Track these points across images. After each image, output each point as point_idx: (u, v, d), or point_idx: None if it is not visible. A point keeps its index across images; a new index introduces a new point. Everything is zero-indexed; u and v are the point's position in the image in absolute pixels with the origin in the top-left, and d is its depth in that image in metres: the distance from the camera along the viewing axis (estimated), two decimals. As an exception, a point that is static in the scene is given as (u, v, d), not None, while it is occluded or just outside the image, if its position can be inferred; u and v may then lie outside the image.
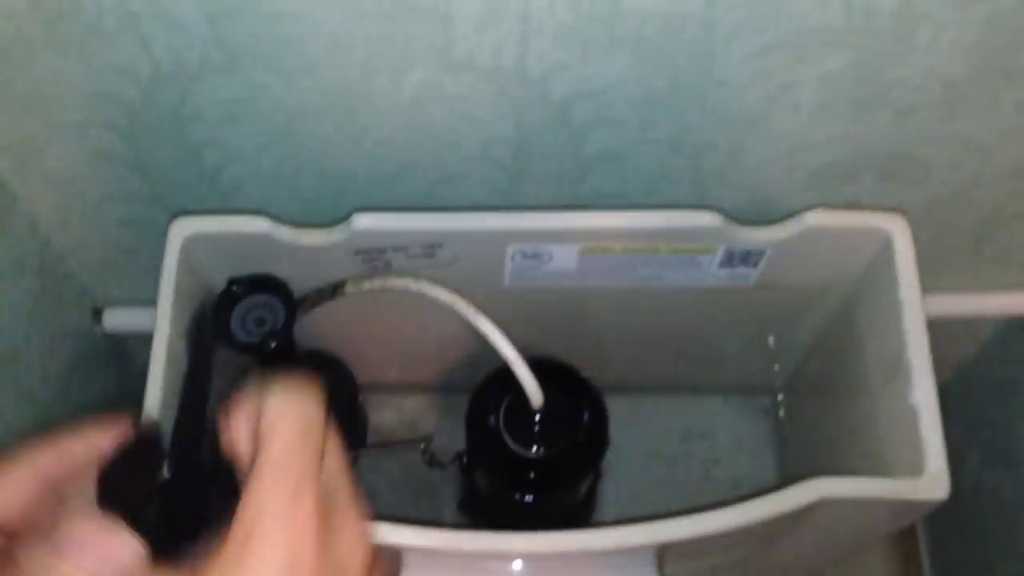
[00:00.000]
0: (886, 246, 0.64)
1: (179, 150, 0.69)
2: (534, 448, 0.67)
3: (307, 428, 0.39)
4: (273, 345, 0.62)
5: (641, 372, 0.90)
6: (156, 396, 0.60)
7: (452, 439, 0.91)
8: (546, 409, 0.64)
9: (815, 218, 0.64)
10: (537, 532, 0.55)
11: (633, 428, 0.88)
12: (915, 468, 0.58)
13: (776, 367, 0.89)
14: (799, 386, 0.90)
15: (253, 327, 0.63)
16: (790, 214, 0.74)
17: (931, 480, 0.57)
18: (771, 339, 0.83)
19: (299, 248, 0.64)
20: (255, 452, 0.38)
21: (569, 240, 0.64)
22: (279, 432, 0.39)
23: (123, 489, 0.38)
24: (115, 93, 0.63)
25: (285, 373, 0.41)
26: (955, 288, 0.89)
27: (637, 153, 0.70)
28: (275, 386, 0.40)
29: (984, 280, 0.88)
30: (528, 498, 0.67)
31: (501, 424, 0.66)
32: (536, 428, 0.66)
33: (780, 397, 0.95)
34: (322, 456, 0.39)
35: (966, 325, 0.96)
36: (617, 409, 0.80)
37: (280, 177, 0.73)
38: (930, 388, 0.60)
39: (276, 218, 0.67)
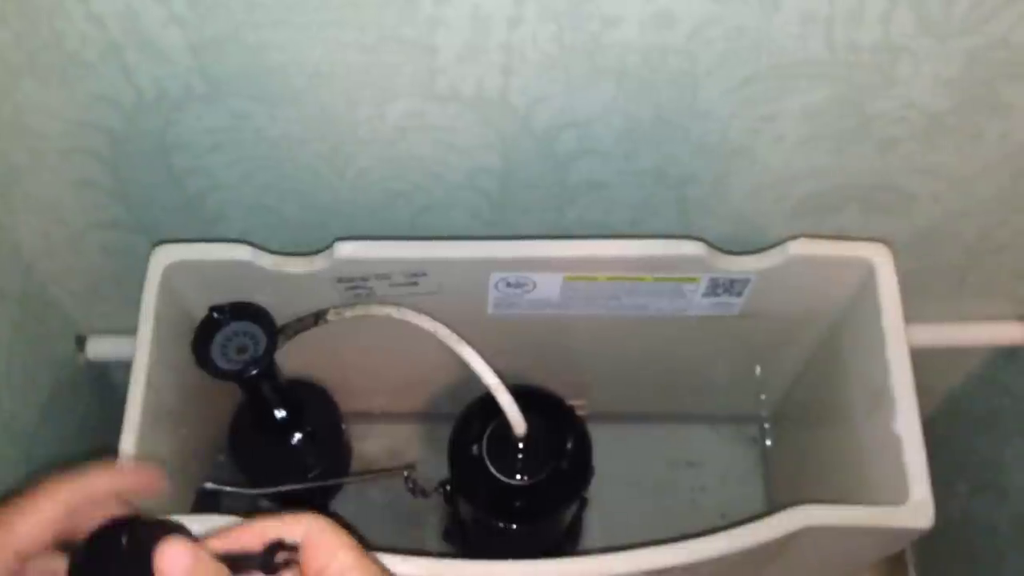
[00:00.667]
0: (869, 275, 0.64)
1: (162, 178, 0.69)
2: (517, 476, 0.66)
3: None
4: (254, 373, 0.62)
5: (626, 400, 0.90)
6: (134, 423, 0.60)
7: (436, 467, 0.91)
8: (529, 437, 0.64)
9: (799, 247, 0.65)
10: (520, 561, 0.55)
11: (619, 456, 0.87)
12: (899, 496, 0.58)
13: (763, 396, 0.89)
14: (785, 414, 0.90)
15: (234, 355, 0.63)
16: (775, 244, 0.75)
17: (915, 508, 0.57)
18: (757, 368, 0.83)
19: (281, 276, 0.64)
20: None
21: (552, 268, 0.64)
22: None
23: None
24: (98, 121, 0.63)
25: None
26: (940, 318, 0.89)
27: (621, 183, 0.70)
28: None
29: (969, 310, 0.89)
30: (512, 526, 0.67)
31: (484, 452, 0.66)
32: (519, 456, 0.66)
33: (767, 426, 0.95)
34: None
35: (952, 355, 0.96)
36: (602, 437, 0.79)
37: (263, 206, 0.72)
38: (914, 416, 0.60)
39: (259, 246, 0.67)
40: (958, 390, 1.01)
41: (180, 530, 0.41)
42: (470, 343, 0.64)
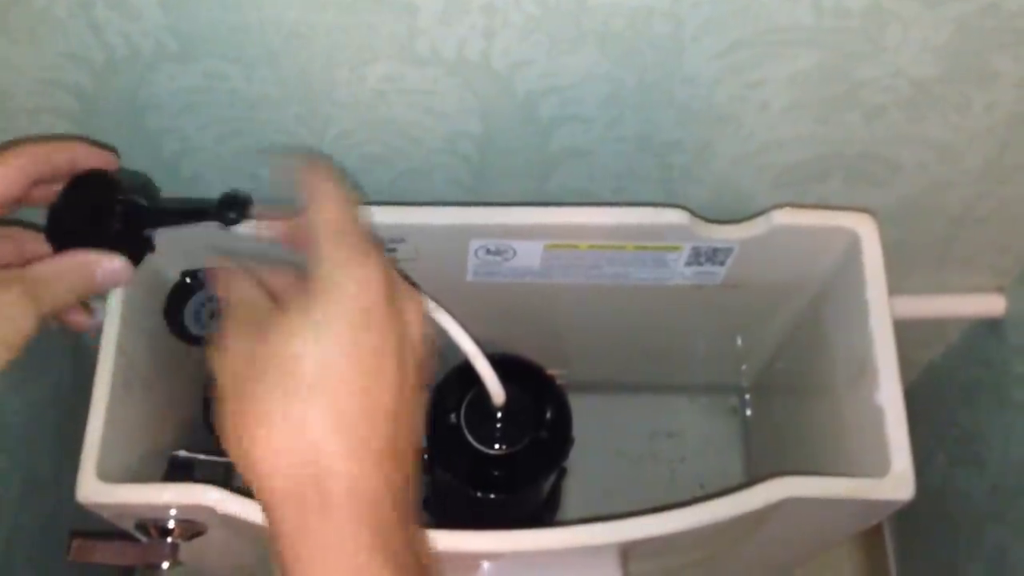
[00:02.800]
0: (854, 246, 0.64)
1: (136, 139, 0.68)
2: (496, 446, 0.66)
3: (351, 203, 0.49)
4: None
5: (607, 370, 0.89)
6: (104, 390, 0.59)
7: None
8: (508, 406, 0.63)
9: (783, 216, 0.64)
10: (499, 531, 0.54)
11: (599, 427, 0.87)
12: (881, 468, 0.57)
13: (744, 366, 0.89)
14: (766, 385, 0.89)
15: (207, 320, 0.61)
16: (758, 213, 0.74)
17: (896, 480, 0.56)
18: (738, 338, 0.82)
19: (256, 240, 0.62)
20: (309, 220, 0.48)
21: (533, 236, 0.63)
22: (329, 205, 0.49)
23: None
24: (67, 80, 0.61)
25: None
26: (922, 289, 0.89)
27: (604, 150, 0.69)
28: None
29: (952, 282, 0.88)
30: (491, 496, 0.66)
31: (462, 421, 0.65)
32: (498, 425, 0.65)
33: (747, 396, 0.95)
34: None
35: (933, 326, 0.96)
36: (582, 408, 0.79)
37: (240, 169, 0.71)
38: (896, 388, 0.59)
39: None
40: (938, 361, 1.01)
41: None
42: (448, 310, 0.63)
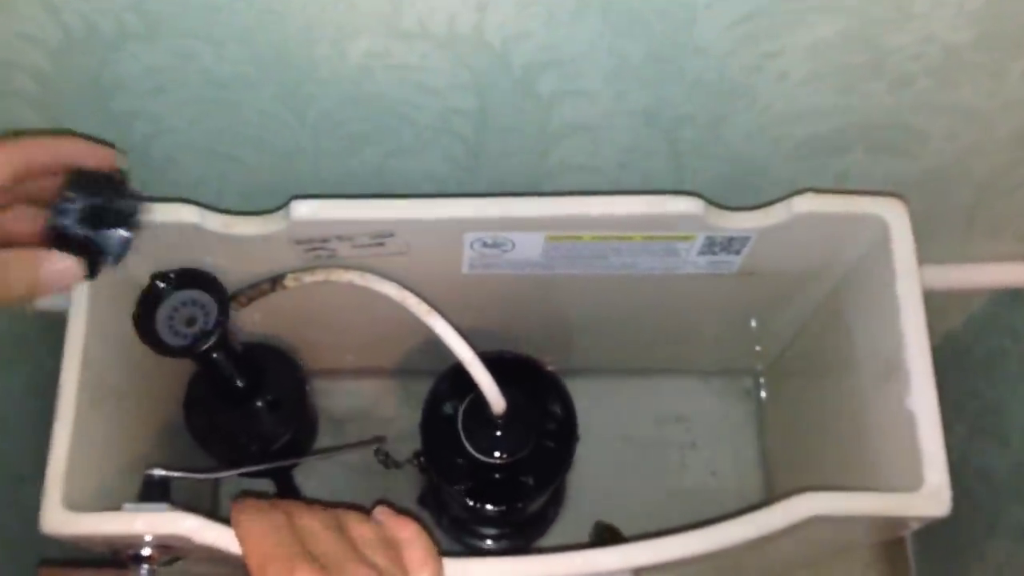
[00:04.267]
0: (882, 234, 0.59)
1: (103, 122, 0.63)
2: (496, 454, 0.61)
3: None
4: (204, 348, 0.56)
5: (612, 355, 0.85)
6: (70, 404, 0.55)
7: (410, 424, 0.86)
8: (509, 413, 0.59)
9: (804, 203, 0.59)
10: (505, 559, 0.50)
11: (604, 411, 0.82)
12: (912, 481, 0.53)
13: (758, 347, 0.84)
14: (783, 367, 0.85)
15: (181, 327, 0.57)
16: (773, 186, 0.69)
17: (930, 495, 0.52)
18: (753, 321, 0.78)
19: (232, 238, 0.58)
20: None
21: (533, 228, 0.58)
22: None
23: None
24: (24, 62, 0.57)
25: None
26: (944, 259, 0.84)
27: (609, 125, 0.64)
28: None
29: (974, 251, 0.84)
30: (489, 507, 0.62)
31: (460, 429, 0.61)
32: (499, 432, 0.61)
33: (762, 379, 0.90)
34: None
35: (954, 296, 0.92)
36: (586, 392, 0.75)
37: (217, 152, 0.66)
38: (930, 393, 0.55)
39: (207, 205, 0.61)
40: (958, 330, 0.97)
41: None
42: (443, 303, 0.59)
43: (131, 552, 0.51)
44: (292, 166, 0.68)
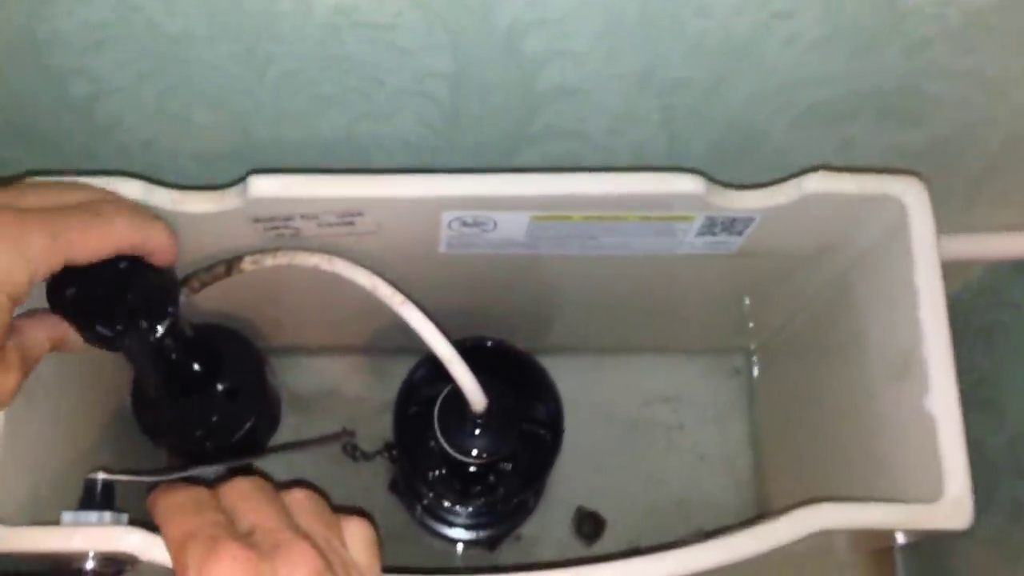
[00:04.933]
0: (899, 218, 0.54)
1: (39, 80, 0.57)
2: (475, 453, 0.57)
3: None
4: (152, 339, 0.50)
5: (596, 333, 0.80)
6: None
7: (381, 403, 0.82)
8: (490, 410, 0.54)
9: (816, 183, 0.54)
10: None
11: (587, 391, 0.78)
12: (931, 490, 0.49)
13: (751, 324, 0.79)
14: (779, 346, 0.80)
15: (123, 317, 0.51)
16: (771, 155, 0.65)
17: (952, 507, 0.48)
18: (746, 299, 0.73)
19: (183, 216, 0.52)
20: None
21: (517, 207, 0.53)
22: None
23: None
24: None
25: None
26: (946, 228, 0.80)
27: (599, 89, 0.59)
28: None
29: (974, 222, 0.80)
30: (468, 508, 0.58)
31: (437, 426, 0.56)
32: (477, 431, 0.56)
33: (754, 357, 0.86)
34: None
35: (950, 267, 0.88)
36: (569, 370, 0.71)
37: (166, 112, 0.60)
38: (952, 394, 0.51)
39: (159, 169, 0.56)
40: (953, 299, 0.93)
41: None
42: (418, 283, 0.54)
43: (74, 566, 0.46)
44: (250, 129, 0.62)
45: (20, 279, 0.44)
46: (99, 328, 0.49)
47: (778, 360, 0.81)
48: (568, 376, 0.70)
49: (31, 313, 0.50)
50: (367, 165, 0.66)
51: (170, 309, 0.51)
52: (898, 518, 0.48)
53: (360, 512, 0.46)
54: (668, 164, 0.67)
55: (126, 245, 0.49)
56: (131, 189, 0.51)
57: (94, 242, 0.47)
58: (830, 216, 0.56)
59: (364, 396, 0.81)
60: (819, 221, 0.57)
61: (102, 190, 0.51)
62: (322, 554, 0.42)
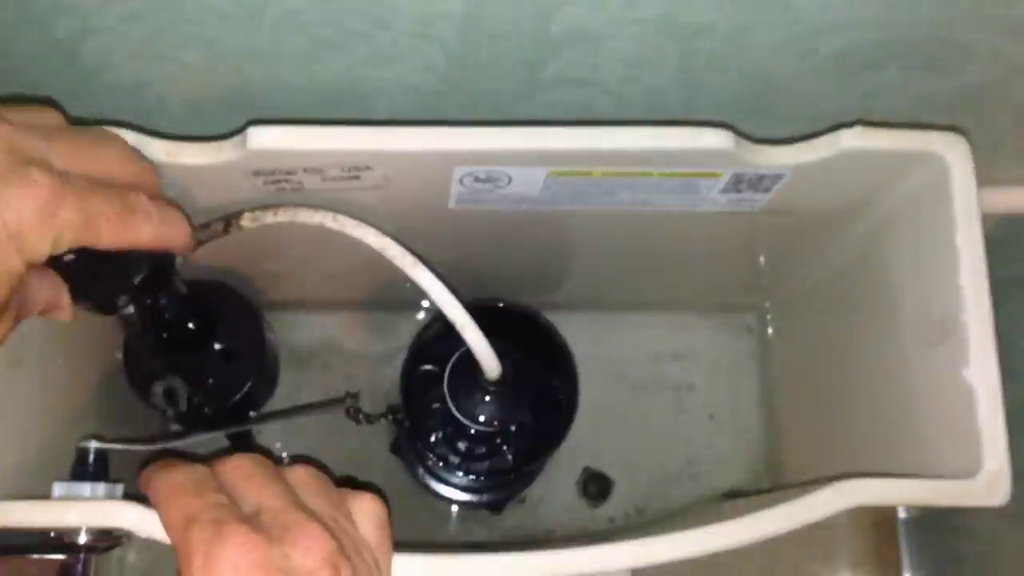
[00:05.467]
0: (940, 176, 0.51)
1: (22, 19, 0.54)
2: (485, 420, 0.54)
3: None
4: (147, 302, 0.48)
5: (605, 290, 0.77)
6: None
7: (382, 359, 0.79)
8: (504, 378, 0.51)
9: (854, 138, 0.51)
10: (490, 555, 0.43)
11: (596, 349, 0.75)
12: (966, 462, 0.46)
13: (764, 281, 0.77)
14: (796, 304, 0.77)
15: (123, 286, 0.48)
16: (790, 105, 0.63)
17: (989, 483, 0.46)
18: (761, 257, 0.70)
19: (177, 168, 0.49)
20: None
21: (533, 162, 0.50)
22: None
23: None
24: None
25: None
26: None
27: (616, 34, 0.56)
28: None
29: (996, 175, 0.78)
30: (474, 471, 0.56)
31: (446, 391, 0.53)
32: (488, 398, 0.54)
33: (769, 316, 0.83)
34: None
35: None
36: (576, 327, 0.69)
37: (156, 54, 0.57)
38: (992, 364, 0.48)
39: (148, 114, 0.52)
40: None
41: None
42: (424, 239, 0.51)
43: (66, 540, 0.44)
44: (246, 71, 0.59)
45: (42, 250, 0.41)
46: (96, 295, 0.46)
47: (795, 319, 0.78)
48: (575, 334, 0.67)
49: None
50: (368, 112, 0.63)
51: (171, 275, 0.48)
52: (935, 494, 0.46)
53: (368, 487, 0.44)
54: (683, 114, 0.65)
55: (147, 245, 0.46)
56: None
57: (120, 238, 0.44)
58: (865, 173, 0.53)
59: (363, 352, 0.79)
60: (853, 178, 0.54)
61: (135, 156, 0.48)
62: (333, 535, 0.40)
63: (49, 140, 0.43)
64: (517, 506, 0.79)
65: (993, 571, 0.79)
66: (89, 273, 0.45)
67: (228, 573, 0.37)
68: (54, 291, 0.46)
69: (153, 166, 0.48)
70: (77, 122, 0.52)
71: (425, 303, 0.79)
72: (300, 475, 0.44)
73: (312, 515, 0.41)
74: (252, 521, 0.40)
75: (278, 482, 0.43)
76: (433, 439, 0.59)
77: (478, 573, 0.44)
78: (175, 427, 0.58)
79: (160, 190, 0.49)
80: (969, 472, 0.46)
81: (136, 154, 0.47)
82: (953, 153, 0.51)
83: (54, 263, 0.46)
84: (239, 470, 0.43)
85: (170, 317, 0.55)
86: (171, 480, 0.42)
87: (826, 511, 0.44)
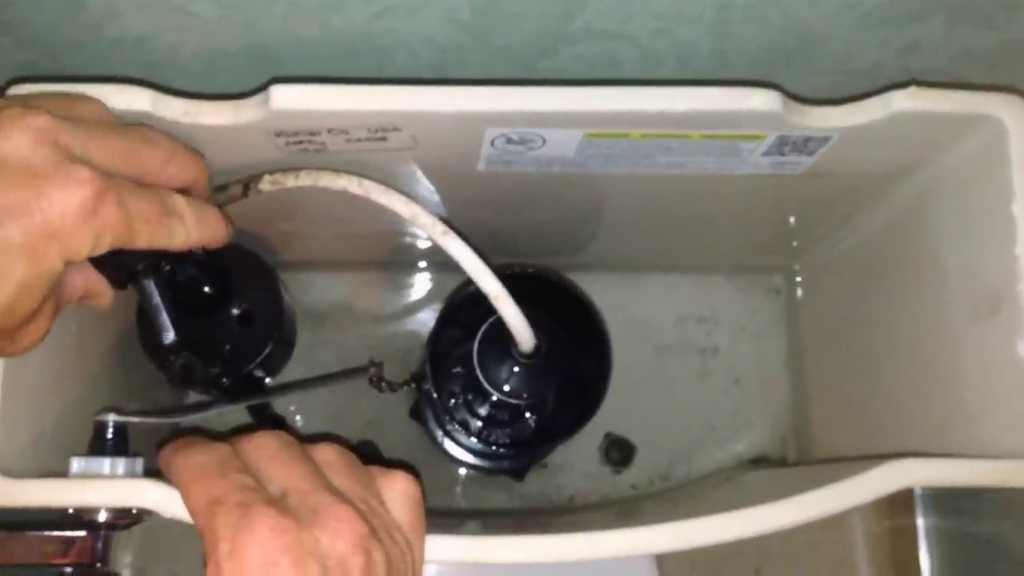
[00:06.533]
0: (996, 140, 0.48)
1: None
2: (516, 392, 0.52)
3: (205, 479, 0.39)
4: (165, 268, 0.45)
5: (630, 252, 0.75)
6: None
7: (399, 319, 0.77)
8: (538, 349, 0.49)
9: (907, 100, 0.48)
10: (511, 538, 0.42)
11: (620, 311, 0.73)
12: (1018, 436, 0.45)
13: (795, 243, 0.74)
14: (827, 267, 0.74)
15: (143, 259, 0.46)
16: (826, 59, 0.60)
17: (1045, 461, 0.44)
18: (792, 218, 0.68)
19: (195, 128, 0.46)
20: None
21: (571, 124, 0.47)
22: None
23: None
24: None
25: None
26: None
27: (649, -14, 0.53)
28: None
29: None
30: (500, 437, 0.54)
31: (476, 360, 0.51)
32: (517, 368, 0.52)
33: (798, 277, 0.81)
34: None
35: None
36: (599, 289, 0.67)
37: (168, 4, 0.54)
38: (1051, 340, 0.46)
39: (158, 69, 0.50)
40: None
41: None
42: (450, 201, 0.49)
43: (85, 518, 0.42)
44: (260, 23, 0.56)
45: (82, 251, 0.39)
46: (115, 267, 0.44)
47: (826, 283, 0.76)
48: (597, 295, 0.66)
49: None
50: (385, 67, 0.61)
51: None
52: (990, 476, 0.44)
53: (398, 464, 0.42)
54: (714, 69, 0.62)
55: (182, 248, 0.44)
56: (137, 98, 0.45)
57: (156, 241, 0.42)
58: (915, 136, 0.51)
59: (379, 312, 0.77)
60: (902, 141, 0.51)
61: (182, 156, 0.45)
62: (364, 518, 0.38)
63: (91, 135, 0.41)
64: (538, 471, 0.78)
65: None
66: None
67: (256, 558, 0.36)
68: (92, 280, 0.45)
69: (205, 165, 0.47)
70: (85, 80, 0.49)
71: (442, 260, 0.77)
72: (327, 454, 0.42)
73: (341, 497, 0.39)
74: (279, 504, 0.38)
75: (305, 462, 0.41)
76: (456, 405, 0.58)
77: (511, 555, 0.42)
78: (192, 398, 0.56)
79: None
80: (1021, 451, 0.45)
81: (185, 154, 0.46)
82: (1011, 115, 0.48)
83: None
84: (264, 450, 0.41)
85: (185, 282, 0.53)
86: (193, 460, 0.40)
87: (879, 491, 0.43)
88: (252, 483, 0.39)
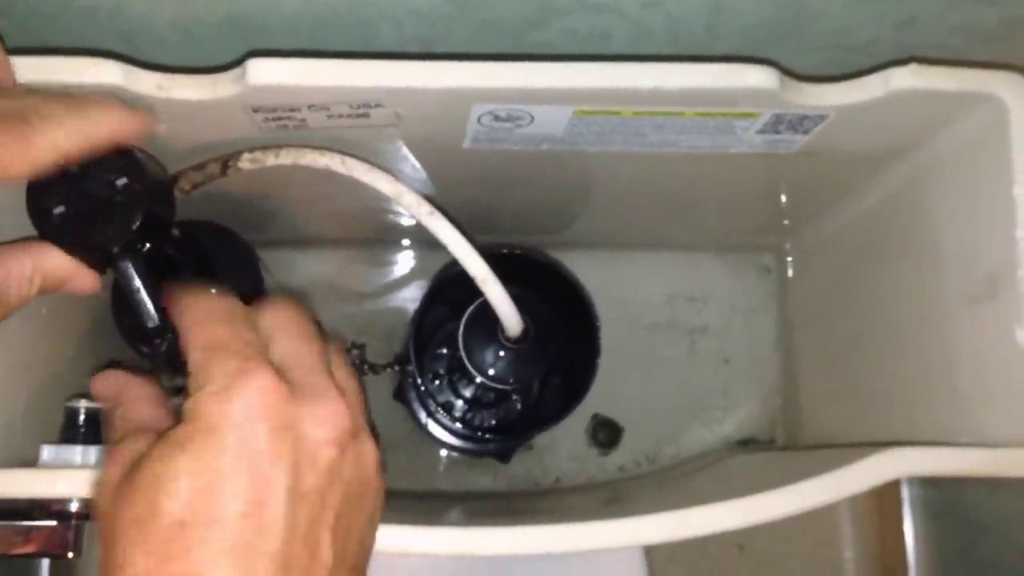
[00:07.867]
0: (996, 119, 0.47)
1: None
2: (502, 377, 0.51)
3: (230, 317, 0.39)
4: (141, 248, 0.44)
5: (618, 230, 0.74)
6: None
7: (382, 297, 0.76)
8: (526, 334, 0.48)
9: (907, 78, 0.47)
10: (496, 529, 0.41)
11: (607, 289, 0.71)
12: (1016, 425, 0.44)
13: (786, 222, 0.73)
14: (819, 247, 0.73)
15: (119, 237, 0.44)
16: (819, 35, 0.58)
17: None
18: (784, 196, 0.67)
19: (170, 103, 0.44)
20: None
21: (560, 101, 0.46)
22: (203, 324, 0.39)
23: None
24: None
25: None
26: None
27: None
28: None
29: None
30: (485, 421, 0.53)
31: (461, 344, 0.50)
32: (505, 352, 0.50)
33: (789, 257, 0.80)
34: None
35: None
36: (586, 266, 0.66)
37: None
38: (1049, 323, 0.45)
39: (130, 38, 0.48)
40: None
41: None
42: (434, 178, 0.47)
43: (54, 508, 0.41)
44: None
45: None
46: (91, 248, 0.42)
47: (817, 262, 0.75)
48: (584, 274, 0.65)
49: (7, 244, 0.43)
50: (369, 39, 0.59)
51: (169, 220, 0.44)
52: (986, 465, 0.43)
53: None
54: (705, 44, 0.61)
55: (73, 151, 0.40)
56: (111, 73, 0.43)
57: (27, 158, 0.39)
58: (914, 114, 0.50)
59: (363, 290, 0.75)
60: (900, 120, 0.50)
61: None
62: (352, 416, 0.38)
63: None
64: (524, 452, 0.76)
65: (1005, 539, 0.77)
66: (80, 228, 0.42)
67: (238, 407, 0.35)
68: (66, 265, 0.43)
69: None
70: (57, 52, 0.47)
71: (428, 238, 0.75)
72: (337, 349, 0.42)
73: (338, 388, 0.39)
74: (280, 371, 0.38)
75: (315, 341, 0.40)
76: (440, 387, 0.56)
77: (496, 547, 0.41)
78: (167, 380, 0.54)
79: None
80: (1018, 439, 0.44)
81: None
82: (1012, 94, 0.47)
83: (44, 230, 0.42)
84: (281, 318, 0.40)
85: (163, 263, 0.51)
86: (205, 304, 0.40)
87: (874, 481, 0.42)
88: (256, 340, 0.38)
